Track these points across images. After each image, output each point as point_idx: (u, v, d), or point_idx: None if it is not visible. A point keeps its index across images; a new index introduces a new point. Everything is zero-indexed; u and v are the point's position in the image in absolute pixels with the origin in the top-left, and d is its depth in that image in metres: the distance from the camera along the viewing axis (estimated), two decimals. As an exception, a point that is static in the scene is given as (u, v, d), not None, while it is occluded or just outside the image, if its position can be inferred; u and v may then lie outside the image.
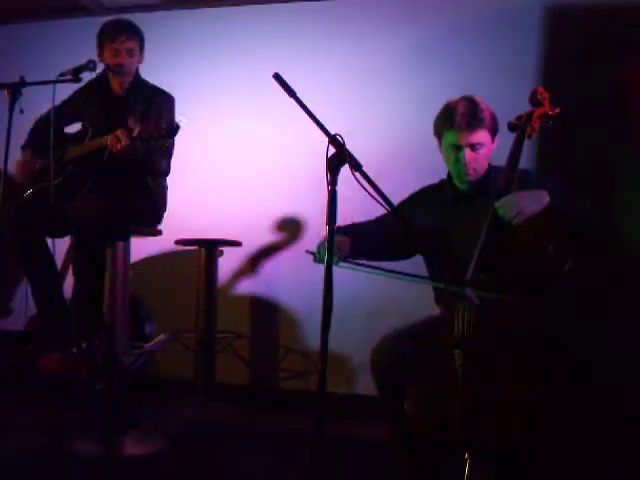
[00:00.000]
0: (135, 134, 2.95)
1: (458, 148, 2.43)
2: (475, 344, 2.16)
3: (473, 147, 2.41)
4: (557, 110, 2.54)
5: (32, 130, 3.46)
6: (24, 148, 3.41)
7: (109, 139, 3.02)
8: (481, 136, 2.41)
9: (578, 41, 3.56)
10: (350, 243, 2.44)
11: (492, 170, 2.50)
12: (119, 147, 2.98)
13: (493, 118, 2.45)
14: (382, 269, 2.31)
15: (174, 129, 2.98)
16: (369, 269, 2.31)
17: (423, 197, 2.66)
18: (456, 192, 2.54)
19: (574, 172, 3.37)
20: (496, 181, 2.41)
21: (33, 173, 3.34)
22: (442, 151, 2.52)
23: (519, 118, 2.53)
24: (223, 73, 4.09)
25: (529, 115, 2.52)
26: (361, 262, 2.33)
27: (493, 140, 2.47)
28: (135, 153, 3.04)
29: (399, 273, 2.28)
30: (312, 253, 2.35)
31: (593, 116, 3.39)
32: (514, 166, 2.39)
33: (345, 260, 2.33)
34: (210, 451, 3.11)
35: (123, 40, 3.25)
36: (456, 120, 2.40)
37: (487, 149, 2.45)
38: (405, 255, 2.62)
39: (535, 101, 2.56)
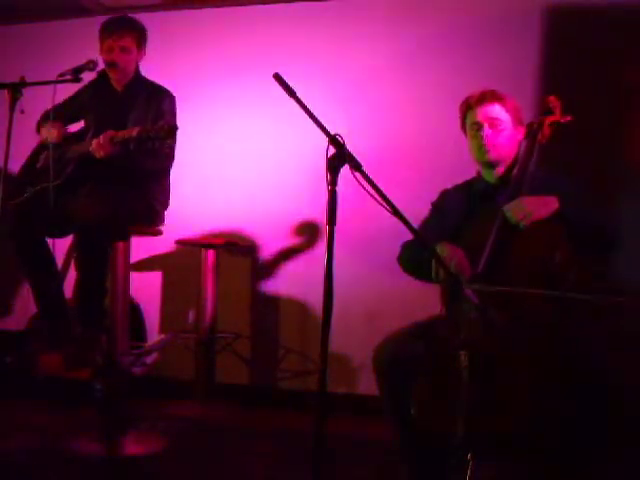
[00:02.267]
0: (125, 137, 2.98)
1: (478, 126, 2.48)
2: (480, 345, 2.16)
3: (491, 123, 2.47)
4: (568, 118, 2.54)
5: (39, 122, 3.47)
6: (38, 128, 3.43)
7: (93, 145, 3.04)
8: (498, 111, 2.48)
9: (578, 42, 3.56)
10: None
11: (513, 165, 2.52)
12: (102, 153, 3.02)
13: (514, 104, 2.51)
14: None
15: (173, 129, 2.98)
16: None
17: (452, 193, 2.67)
18: (486, 187, 2.55)
19: (574, 172, 3.36)
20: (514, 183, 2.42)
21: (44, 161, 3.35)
22: (468, 141, 2.56)
23: (530, 125, 2.54)
24: (223, 73, 4.09)
25: (540, 123, 2.52)
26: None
27: (515, 126, 2.51)
28: (120, 157, 3.06)
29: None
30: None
31: (593, 116, 3.39)
32: (524, 172, 2.42)
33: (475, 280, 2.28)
34: (210, 451, 3.12)
35: (117, 38, 3.25)
36: (473, 97, 2.51)
37: (507, 128, 2.49)
38: None
39: (546, 109, 2.57)
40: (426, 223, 2.63)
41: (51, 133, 3.28)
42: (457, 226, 2.48)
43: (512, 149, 2.52)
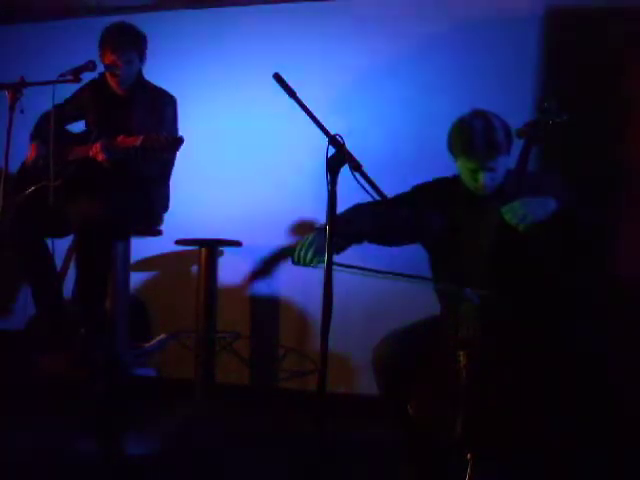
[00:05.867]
0: (129, 146, 2.99)
1: (475, 171, 2.39)
2: (479, 344, 2.16)
3: (490, 170, 2.38)
4: (564, 118, 2.54)
5: (36, 126, 3.46)
6: (31, 140, 3.42)
7: (94, 149, 3.06)
8: (499, 160, 2.38)
9: (578, 42, 3.56)
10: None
11: (507, 173, 2.46)
12: (103, 157, 3.03)
13: (508, 136, 2.41)
14: (372, 270, 2.26)
15: (177, 142, 2.99)
16: (357, 270, 2.26)
17: (437, 189, 2.60)
18: (470, 192, 2.50)
19: (574, 172, 3.37)
20: (511, 184, 2.40)
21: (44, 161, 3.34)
22: (457, 166, 2.47)
23: (527, 125, 2.53)
24: (223, 73, 4.09)
25: (537, 123, 2.52)
26: (342, 264, 2.25)
27: (509, 153, 2.44)
28: (120, 162, 3.07)
29: (391, 273, 2.26)
30: (290, 255, 2.30)
31: (593, 117, 3.39)
32: (522, 172, 2.40)
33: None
34: (210, 451, 3.12)
35: (121, 53, 3.25)
36: (473, 149, 2.35)
37: (505, 167, 2.42)
38: (408, 242, 2.58)
39: (543, 110, 2.56)
40: (394, 199, 2.52)
41: (29, 154, 3.29)
42: (443, 227, 2.47)
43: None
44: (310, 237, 2.28)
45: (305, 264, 2.26)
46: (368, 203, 2.39)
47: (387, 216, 2.39)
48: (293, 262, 2.29)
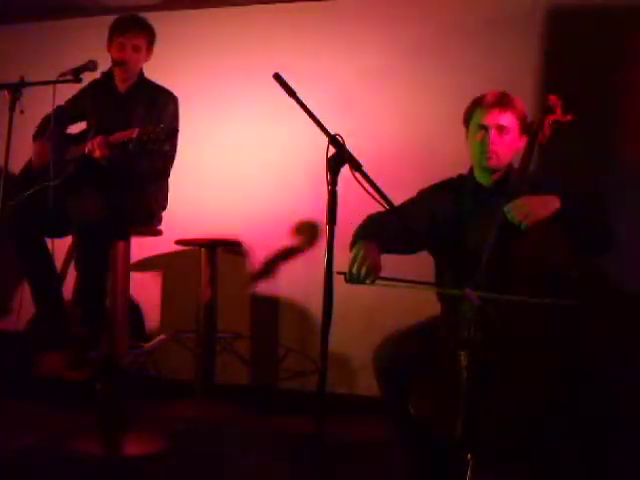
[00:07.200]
0: (126, 139, 3.00)
1: (485, 129, 2.43)
2: (479, 345, 2.16)
3: (499, 130, 2.41)
4: (569, 117, 2.54)
5: (38, 128, 3.46)
6: (35, 138, 3.42)
7: (88, 146, 3.06)
8: (509, 119, 2.42)
9: (578, 41, 3.56)
10: (379, 253, 2.32)
11: (513, 171, 2.48)
12: (98, 154, 3.04)
13: (523, 111, 2.47)
14: (389, 278, 2.25)
15: (172, 132, 2.99)
16: (405, 284, 2.24)
17: (443, 189, 2.62)
18: (476, 188, 2.52)
19: (574, 172, 3.37)
20: (514, 181, 2.41)
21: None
22: (468, 138, 2.51)
23: (531, 124, 2.53)
24: (223, 73, 4.09)
25: (541, 122, 2.52)
26: (392, 277, 2.26)
27: (520, 135, 2.47)
28: (119, 159, 3.07)
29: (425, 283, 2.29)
30: (343, 273, 2.24)
31: (593, 116, 3.39)
32: (524, 171, 2.41)
33: (381, 278, 2.26)
34: (210, 451, 3.12)
35: (131, 36, 3.27)
36: (486, 99, 2.44)
37: (513, 138, 2.44)
38: (422, 248, 2.58)
39: (547, 108, 2.56)
40: (403, 207, 2.54)
41: (36, 153, 3.32)
42: (449, 226, 2.47)
43: (511, 157, 2.48)
44: (360, 253, 2.25)
45: (360, 281, 2.24)
46: (379, 215, 2.41)
47: (400, 224, 2.38)
48: (346, 280, 2.25)
